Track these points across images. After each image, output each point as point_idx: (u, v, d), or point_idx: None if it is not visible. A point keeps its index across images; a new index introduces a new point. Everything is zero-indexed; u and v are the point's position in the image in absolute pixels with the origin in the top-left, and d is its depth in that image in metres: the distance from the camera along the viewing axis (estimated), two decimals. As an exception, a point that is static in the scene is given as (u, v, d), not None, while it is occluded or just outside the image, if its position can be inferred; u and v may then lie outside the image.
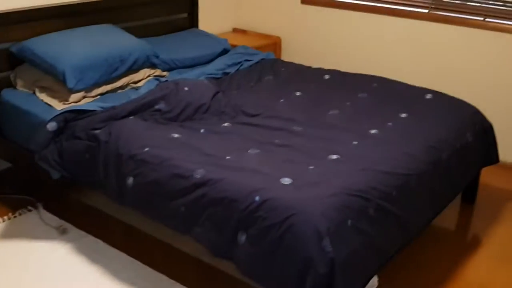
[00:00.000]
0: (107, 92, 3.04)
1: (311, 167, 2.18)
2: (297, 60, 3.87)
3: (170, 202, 2.18)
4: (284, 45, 4.32)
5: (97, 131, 2.51)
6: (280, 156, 2.29)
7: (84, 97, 2.93)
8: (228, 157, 2.25)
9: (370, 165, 2.21)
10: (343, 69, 3.45)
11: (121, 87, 3.12)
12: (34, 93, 2.96)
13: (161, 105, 2.71)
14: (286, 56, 4.30)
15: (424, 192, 2.35)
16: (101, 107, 2.68)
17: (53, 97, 2.90)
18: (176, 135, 2.44)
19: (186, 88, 2.80)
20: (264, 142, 2.42)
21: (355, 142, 2.42)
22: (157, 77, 3.09)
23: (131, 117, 2.62)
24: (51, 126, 2.57)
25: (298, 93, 3.05)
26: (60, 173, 2.57)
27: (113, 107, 2.65)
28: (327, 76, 3.30)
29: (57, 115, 2.58)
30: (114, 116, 2.59)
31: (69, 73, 2.83)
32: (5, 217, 2.83)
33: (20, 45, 2.99)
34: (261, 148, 2.36)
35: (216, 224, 2.05)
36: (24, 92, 2.98)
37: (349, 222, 1.94)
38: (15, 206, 2.94)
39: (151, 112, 2.68)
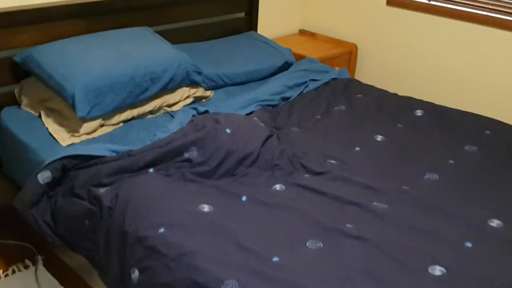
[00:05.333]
0: (132, 118, 2.38)
1: (401, 292, 1.42)
2: (375, 77, 3.09)
3: (185, 325, 1.48)
4: (360, 55, 3.49)
5: (101, 190, 1.83)
6: (352, 260, 1.54)
7: (101, 125, 2.28)
8: (275, 259, 1.51)
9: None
10: (435, 95, 2.63)
11: (151, 112, 2.45)
12: (40, 116, 2.33)
13: (192, 153, 1.99)
14: (362, 70, 3.48)
15: None
16: (113, 151, 1.99)
17: (61, 125, 2.26)
18: (206, 208, 1.72)
19: (227, 131, 2.06)
20: (330, 228, 1.68)
21: (468, 244, 1.62)
22: (194, 106, 2.37)
23: (151, 169, 1.92)
24: (43, 177, 1.89)
25: (379, 138, 2.26)
26: (51, 239, 1.92)
27: (129, 153, 1.96)
28: (419, 112, 2.48)
29: (51, 162, 1.91)
30: (127, 167, 1.90)
31: (80, 98, 2.16)
32: (-5, 276, 2.24)
33: (25, 53, 2.34)
34: (325, 241, 1.61)
35: None
36: (28, 114, 2.35)
37: None
38: (11, 257, 2.34)
39: (178, 162, 1.97)
